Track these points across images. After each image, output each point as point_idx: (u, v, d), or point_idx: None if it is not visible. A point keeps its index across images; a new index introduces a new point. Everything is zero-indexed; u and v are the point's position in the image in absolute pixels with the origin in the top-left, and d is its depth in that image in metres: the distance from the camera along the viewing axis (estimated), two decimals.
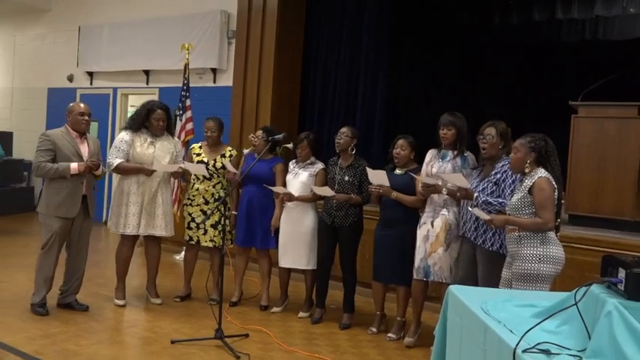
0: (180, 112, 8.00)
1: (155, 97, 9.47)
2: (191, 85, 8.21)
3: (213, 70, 9.04)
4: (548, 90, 10.40)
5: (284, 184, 5.58)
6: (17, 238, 8.86)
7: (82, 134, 5.32)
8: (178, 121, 7.96)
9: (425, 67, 9.86)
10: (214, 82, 9.07)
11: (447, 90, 10.03)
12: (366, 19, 8.30)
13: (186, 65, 8.14)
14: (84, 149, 5.26)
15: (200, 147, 5.97)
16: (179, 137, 7.72)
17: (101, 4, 10.64)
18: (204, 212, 5.71)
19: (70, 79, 11.13)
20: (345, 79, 8.39)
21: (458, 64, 10.47)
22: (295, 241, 5.54)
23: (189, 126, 7.98)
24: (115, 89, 10.55)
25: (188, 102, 8.04)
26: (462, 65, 10.52)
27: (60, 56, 11.24)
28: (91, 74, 10.84)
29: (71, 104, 5.40)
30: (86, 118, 5.28)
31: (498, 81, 10.99)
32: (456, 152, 4.85)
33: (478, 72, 10.74)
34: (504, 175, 4.34)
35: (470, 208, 4.32)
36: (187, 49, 8.16)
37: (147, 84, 10.02)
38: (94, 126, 10.45)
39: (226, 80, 8.85)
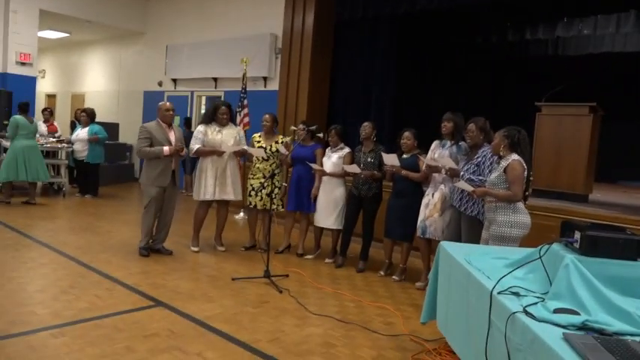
0: (240, 109, 7.99)
1: (222, 97, 9.52)
2: (248, 88, 8.18)
3: (264, 78, 8.96)
4: (519, 93, 10.11)
5: (322, 164, 5.54)
6: (122, 201, 8.99)
7: (169, 125, 5.33)
8: (238, 116, 7.94)
9: (424, 75, 9.68)
10: (265, 86, 9.00)
11: (441, 93, 9.84)
12: (379, 39, 8.18)
13: (244, 74, 8.10)
14: (172, 136, 5.28)
15: (259, 136, 5.91)
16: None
17: (183, 29, 10.63)
18: (262, 184, 5.66)
19: (160, 84, 11.16)
20: (363, 83, 8.29)
21: (450, 73, 10.28)
22: (328, 206, 5.50)
23: (246, 119, 7.99)
24: (192, 92, 10.55)
25: (245, 101, 8.03)
26: (452, 75, 10.33)
27: (152, 67, 11.27)
28: (175, 81, 10.84)
29: (160, 103, 5.44)
30: (171, 112, 5.31)
31: (481, 87, 10.75)
32: (453, 142, 4.76)
33: (465, 79, 10.50)
34: (484, 159, 4.30)
35: (455, 184, 4.28)
36: (245, 62, 8.12)
37: (215, 88, 9.99)
38: (176, 119, 10.54)
39: (274, 85, 8.78)
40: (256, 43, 8.88)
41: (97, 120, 9.02)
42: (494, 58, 10.40)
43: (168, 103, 5.38)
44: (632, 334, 1.87)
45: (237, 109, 8.00)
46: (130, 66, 12.11)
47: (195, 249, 5.67)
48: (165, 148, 5.15)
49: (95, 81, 13.26)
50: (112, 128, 10.62)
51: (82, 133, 8.72)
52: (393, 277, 5.13)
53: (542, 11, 8.56)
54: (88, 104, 12.37)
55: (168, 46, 10.74)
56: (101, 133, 8.73)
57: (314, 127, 5.58)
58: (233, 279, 4.73)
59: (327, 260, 5.61)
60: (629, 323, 1.95)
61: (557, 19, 8.69)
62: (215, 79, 9.94)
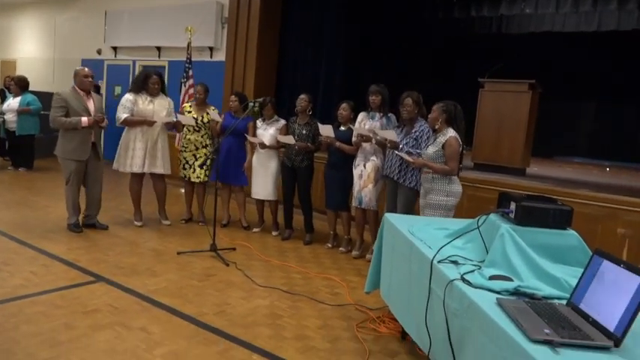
0: (185, 80, 7.75)
1: (165, 69, 9.19)
2: (193, 59, 7.93)
3: (210, 48, 8.71)
4: (463, 69, 10.33)
5: (254, 137, 5.46)
6: (59, 174, 8.55)
7: (88, 93, 5.04)
8: (183, 87, 7.71)
9: (372, 49, 9.70)
10: (211, 57, 8.76)
11: (388, 67, 9.90)
12: (329, 10, 8.13)
13: (189, 44, 7.84)
14: (90, 105, 5.00)
15: (190, 106, 5.77)
16: (184, 100, 7.50)
17: None
18: (194, 156, 5.58)
19: (99, 52, 10.63)
20: (312, 55, 8.23)
21: (397, 47, 10.33)
22: (263, 178, 5.48)
23: (191, 91, 7.74)
24: (134, 61, 10.10)
25: (191, 72, 7.79)
26: (400, 49, 10.39)
27: (91, 34, 10.70)
28: (115, 49, 10.34)
29: (77, 68, 5.09)
30: (90, 79, 5.02)
31: (426, 62, 10.90)
32: (382, 114, 4.85)
33: (413, 54, 10.61)
34: (421, 134, 4.45)
35: (398, 152, 4.37)
36: (190, 31, 7.86)
37: (158, 57, 9.61)
38: (117, 89, 10.12)
39: (220, 56, 8.56)
40: (201, 12, 8.60)
41: (30, 89, 8.50)
42: (441, 33, 10.55)
43: (86, 69, 5.07)
44: (559, 298, 1.99)
45: (182, 80, 7.76)
46: (65, 32, 11.44)
47: (139, 223, 5.53)
48: (84, 119, 4.86)
49: (27, 47, 12.47)
50: (47, 98, 9.96)
51: (13, 102, 8.23)
52: (340, 248, 5.21)
53: None
54: (20, 72, 11.61)
55: (108, 12, 10.20)
56: (34, 104, 8.26)
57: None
58: (178, 253, 4.66)
59: (274, 233, 5.62)
60: (558, 288, 2.07)
61: None
62: (158, 48, 9.57)
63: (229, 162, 5.56)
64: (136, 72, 10.04)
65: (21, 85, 8.31)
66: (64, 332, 2.98)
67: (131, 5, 9.86)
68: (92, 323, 3.13)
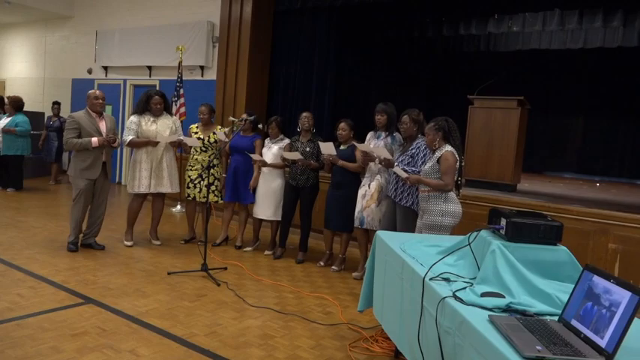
0: (176, 98, 7.77)
1: (156, 87, 9.21)
2: (184, 78, 7.97)
3: (201, 67, 8.74)
4: (452, 86, 10.49)
5: (261, 155, 5.48)
6: (48, 194, 8.52)
7: (100, 114, 5.13)
8: (174, 106, 7.73)
9: (363, 66, 9.80)
10: (202, 76, 8.79)
11: (379, 85, 10.01)
12: (319, 30, 8.18)
13: (180, 63, 7.89)
14: (102, 126, 5.10)
15: (197, 127, 5.79)
16: None
17: (113, 14, 10.18)
18: (200, 175, 5.58)
19: (90, 71, 10.64)
20: (302, 74, 8.27)
21: (388, 65, 10.45)
22: (267, 198, 5.46)
23: (182, 109, 7.81)
24: (125, 80, 10.13)
25: (181, 91, 7.83)
26: (390, 66, 10.51)
27: (81, 53, 10.73)
28: (106, 68, 10.36)
29: (89, 91, 5.22)
30: (100, 101, 5.11)
31: (416, 80, 11.03)
32: (387, 133, 4.85)
33: (402, 71, 10.73)
34: (418, 151, 4.43)
35: (394, 169, 4.35)
36: (181, 50, 7.91)
37: (149, 76, 9.64)
38: (108, 109, 10.10)
39: (211, 75, 8.59)
40: (192, 31, 8.65)
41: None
42: (430, 51, 10.70)
43: (97, 91, 5.19)
44: (551, 314, 1.99)
45: (173, 99, 7.78)
46: (56, 52, 11.46)
47: (129, 243, 5.48)
48: (94, 139, 4.96)
49: (17, 67, 12.45)
50: (37, 118, 10.02)
51: (2, 122, 8.19)
52: (332, 267, 5.19)
53: (475, 7, 8.87)
54: (9, 92, 11.59)
55: (98, 32, 10.25)
56: (22, 126, 8.18)
57: (252, 118, 5.53)
58: (169, 273, 4.62)
59: (266, 252, 5.59)
60: (549, 304, 2.08)
61: (489, 15, 9.04)
62: (149, 68, 9.60)
63: (238, 181, 5.58)
64: (127, 91, 10.08)
65: (15, 106, 8.31)
66: (51, 356, 2.93)
67: (122, 25, 9.92)
68: (80, 346, 3.08)
